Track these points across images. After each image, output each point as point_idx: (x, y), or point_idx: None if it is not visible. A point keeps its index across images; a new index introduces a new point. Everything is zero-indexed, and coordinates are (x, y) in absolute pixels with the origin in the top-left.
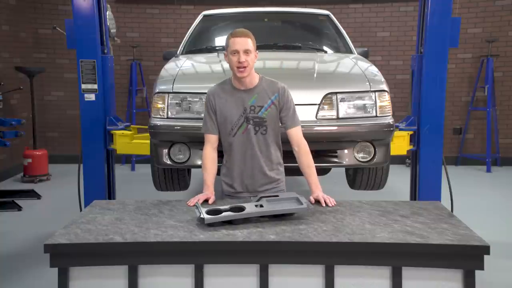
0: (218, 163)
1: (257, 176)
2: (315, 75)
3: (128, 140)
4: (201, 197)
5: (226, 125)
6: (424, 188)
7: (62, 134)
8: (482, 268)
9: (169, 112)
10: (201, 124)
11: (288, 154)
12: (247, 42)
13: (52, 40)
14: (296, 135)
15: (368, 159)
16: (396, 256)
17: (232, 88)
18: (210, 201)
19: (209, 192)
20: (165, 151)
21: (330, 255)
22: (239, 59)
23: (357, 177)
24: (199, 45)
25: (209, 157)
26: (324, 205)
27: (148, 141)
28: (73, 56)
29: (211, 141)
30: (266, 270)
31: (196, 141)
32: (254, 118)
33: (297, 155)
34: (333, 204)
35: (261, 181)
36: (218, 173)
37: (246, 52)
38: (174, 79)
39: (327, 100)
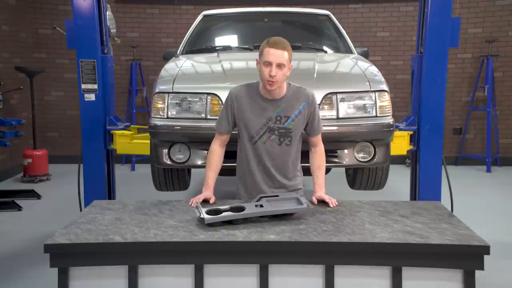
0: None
1: (277, 184)
2: (315, 75)
3: (128, 140)
4: (200, 197)
5: (246, 131)
6: (424, 188)
7: (62, 134)
8: (482, 268)
9: (169, 112)
10: (201, 124)
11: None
12: (283, 56)
13: (52, 40)
14: (317, 141)
15: (368, 159)
16: (396, 256)
17: (258, 95)
18: (211, 201)
19: (209, 193)
20: (165, 151)
21: (330, 255)
22: (270, 72)
23: (357, 177)
24: (199, 45)
25: (216, 153)
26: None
27: (148, 141)
28: (73, 56)
29: (222, 139)
30: (266, 270)
31: (196, 141)
32: (279, 129)
33: (311, 155)
34: (335, 205)
35: (282, 190)
36: (221, 173)
37: (280, 66)
38: (174, 79)
39: (327, 100)
